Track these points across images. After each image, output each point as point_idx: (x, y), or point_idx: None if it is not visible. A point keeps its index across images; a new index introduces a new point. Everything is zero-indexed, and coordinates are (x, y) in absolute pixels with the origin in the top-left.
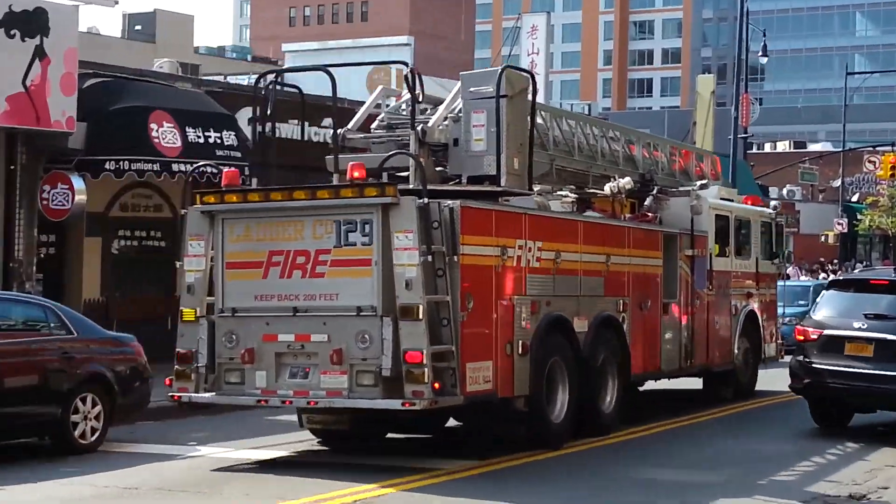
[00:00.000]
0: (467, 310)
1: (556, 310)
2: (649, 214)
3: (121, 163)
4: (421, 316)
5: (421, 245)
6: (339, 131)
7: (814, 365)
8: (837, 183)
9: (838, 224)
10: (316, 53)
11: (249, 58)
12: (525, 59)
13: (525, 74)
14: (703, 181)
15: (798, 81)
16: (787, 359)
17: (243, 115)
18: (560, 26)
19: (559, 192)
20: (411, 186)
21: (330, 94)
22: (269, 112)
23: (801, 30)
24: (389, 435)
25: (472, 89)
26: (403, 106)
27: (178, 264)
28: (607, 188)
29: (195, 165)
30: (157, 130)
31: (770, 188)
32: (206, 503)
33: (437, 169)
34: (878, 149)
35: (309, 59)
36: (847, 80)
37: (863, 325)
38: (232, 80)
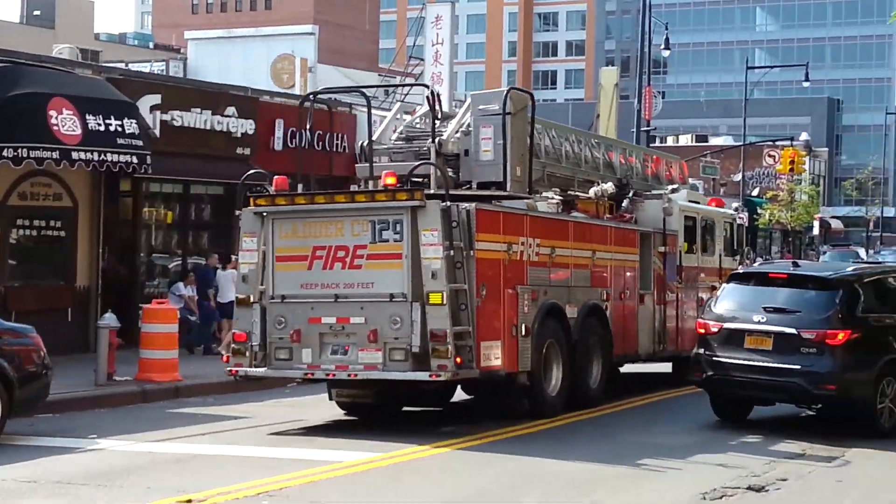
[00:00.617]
0: (481, 296)
1: (552, 298)
2: (626, 215)
3: (19, 150)
4: (445, 301)
5: (444, 241)
6: (363, 143)
7: (715, 358)
8: (738, 177)
9: (739, 218)
10: (219, 42)
11: (151, 45)
12: (429, 49)
13: (525, 94)
14: (674, 185)
15: (700, 75)
16: None
17: (145, 103)
18: (465, 17)
19: (545, 195)
20: (433, 191)
21: (231, 84)
22: (308, 127)
23: (702, 23)
24: (404, 408)
25: (480, 107)
26: (417, 121)
27: (233, 258)
28: (592, 192)
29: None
30: (56, 118)
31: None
32: (105, 496)
33: (451, 175)
34: (777, 143)
35: (212, 47)
36: (747, 74)
37: (762, 318)
38: (133, 67)
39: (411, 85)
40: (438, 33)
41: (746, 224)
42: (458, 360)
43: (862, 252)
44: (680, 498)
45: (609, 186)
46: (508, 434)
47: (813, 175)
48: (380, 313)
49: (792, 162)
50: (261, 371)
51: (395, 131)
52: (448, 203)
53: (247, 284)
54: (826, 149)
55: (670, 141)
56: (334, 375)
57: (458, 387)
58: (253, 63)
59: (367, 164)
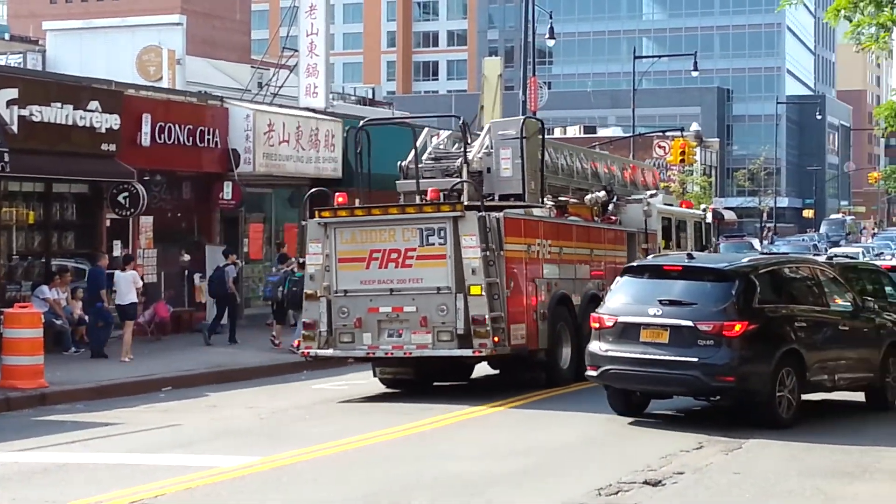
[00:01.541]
0: (510, 288)
1: (561, 289)
2: (613, 217)
3: None
4: (483, 292)
5: (481, 244)
6: (402, 163)
7: (610, 352)
8: None
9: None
10: (80, 33)
11: (7, 36)
12: (304, 40)
13: (537, 121)
14: (653, 191)
15: (586, 65)
16: None
17: (1, 98)
18: (341, 6)
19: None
20: (466, 202)
21: (94, 77)
22: (359, 151)
23: (588, 13)
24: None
25: (499, 132)
26: (443, 143)
27: (300, 260)
28: (587, 199)
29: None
30: None
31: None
32: None
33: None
34: (667, 134)
35: (73, 38)
36: (635, 63)
37: (658, 311)
38: None
39: (448, 116)
40: (313, 23)
41: (711, 222)
42: (496, 339)
43: (756, 243)
44: (574, 494)
45: (602, 194)
46: (537, 397)
47: (704, 166)
48: (429, 303)
49: (682, 153)
50: (329, 352)
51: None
52: (484, 213)
53: (314, 282)
54: (717, 139)
55: (558, 132)
56: (392, 354)
57: (475, 366)
58: (117, 55)
59: (410, 181)
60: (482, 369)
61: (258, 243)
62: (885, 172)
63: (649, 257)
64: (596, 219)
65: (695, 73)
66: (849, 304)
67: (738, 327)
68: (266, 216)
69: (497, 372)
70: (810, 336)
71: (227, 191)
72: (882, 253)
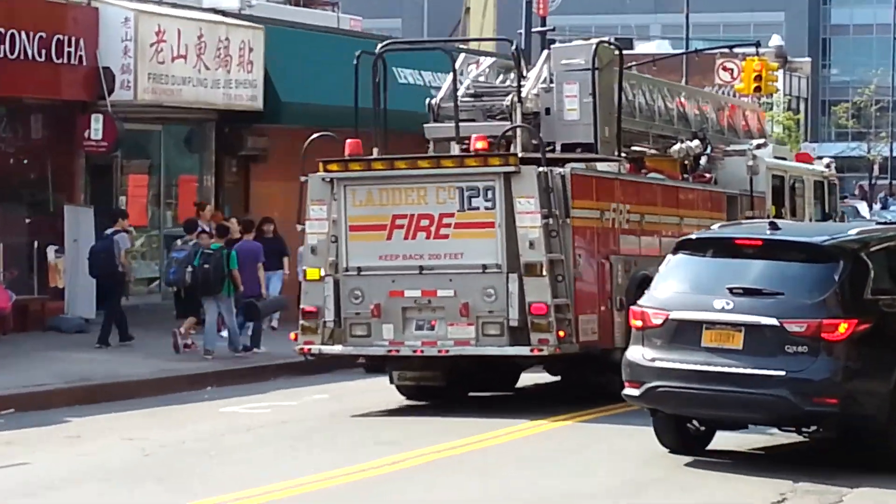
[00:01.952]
0: (578, 267)
1: (643, 268)
2: (707, 175)
3: None
4: (544, 272)
5: (541, 208)
6: (432, 102)
7: (658, 362)
8: None
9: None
10: None
11: None
12: None
13: (612, 48)
14: (761, 140)
15: None
16: None
17: None
18: None
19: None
20: (521, 154)
21: None
22: (377, 81)
23: None
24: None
25: (563, 61)
26: (485, 74)
27: (298, 228)
28: (674, 150)
29: None
30: None
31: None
32: None
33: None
34: (736, 50)
35: None
36: None
37: (727, 303)
38: None
39: (496, 39)
40: None
41: (837, 183)
42: (561, 333)
43: (863, 207)
44: None
45: (694, 144)
46: (609, 412)
47: (790, 97)
48: (471, 285)
49: (759, 78)
50: (336, 349)
51: (460, 86)
52: (545, 168)
53: (316, 256)
54: (808, 59)
55: None
56: (422, 352)
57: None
58: None
59: (445, 125)
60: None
61: (141, 202)
62: None
63: (715, 226)
64: (685, 176)
65: None
66: None
67: (843, 327)
68: (152, 164)
69: (557, 379)
70: None
71: (97, 127)
72: None
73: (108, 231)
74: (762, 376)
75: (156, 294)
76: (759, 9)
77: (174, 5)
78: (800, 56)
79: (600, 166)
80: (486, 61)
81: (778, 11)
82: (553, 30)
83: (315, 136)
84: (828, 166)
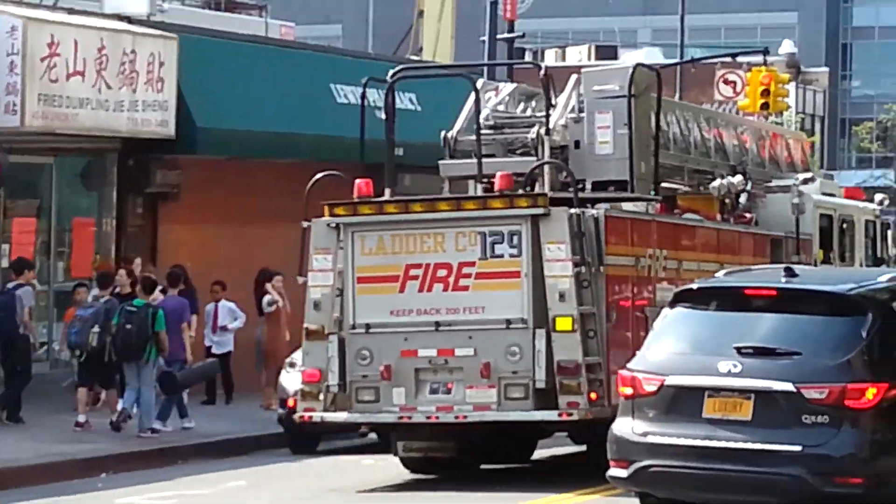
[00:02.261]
0: (612, 321)
1: None
2: (747, 215)
3: None
4: (575, 327)
5: (573, 255)
6: (448, 135)
7: (649, 437)
8: None
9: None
10: None
11: None
12: None
13: (650, 71)
14: (807, 174)
15: None
16: None
17: None
18: None
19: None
20: (550, 194)
21: None
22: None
23: None
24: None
25: (595, 88)
26: (505, 102)
27: (300, 280)
28: (715, 187)
29: None
30: None
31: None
32: None
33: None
34: (740, 59)
35: None
36: None
37: (734, 365)
38: None
39: (523, 63)
40: None
41: (892, 221)
42: (593, 395)
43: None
44: None
45: (737, 180)
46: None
47: (803, 116)
48: (493, 343)
49: (766, 93)
50: (342, 416)
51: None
52: (578, 209)
53: (319, 312)
54: (826, 69)
55: (551, 57)
56: (437, 418)
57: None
58: None
59: (463, 161)
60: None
61: (27, 251)
62: None
63: (720, 273)
64: (723, 216)
65: None
66: None
67: (871, 393)
68: (41, 205)
69: (577, 448)
70: None
71: None
72: None
73: (10, 285)
74: (775, 452)
75: (43, 362)
76: (768, 8)
77: (70, 11)
78: (816, 65)
79: (628, 206)
80: (506, 88)
81: (790, 12)
82: (523, 36)
83: (320, 175)
84: (881, 203)
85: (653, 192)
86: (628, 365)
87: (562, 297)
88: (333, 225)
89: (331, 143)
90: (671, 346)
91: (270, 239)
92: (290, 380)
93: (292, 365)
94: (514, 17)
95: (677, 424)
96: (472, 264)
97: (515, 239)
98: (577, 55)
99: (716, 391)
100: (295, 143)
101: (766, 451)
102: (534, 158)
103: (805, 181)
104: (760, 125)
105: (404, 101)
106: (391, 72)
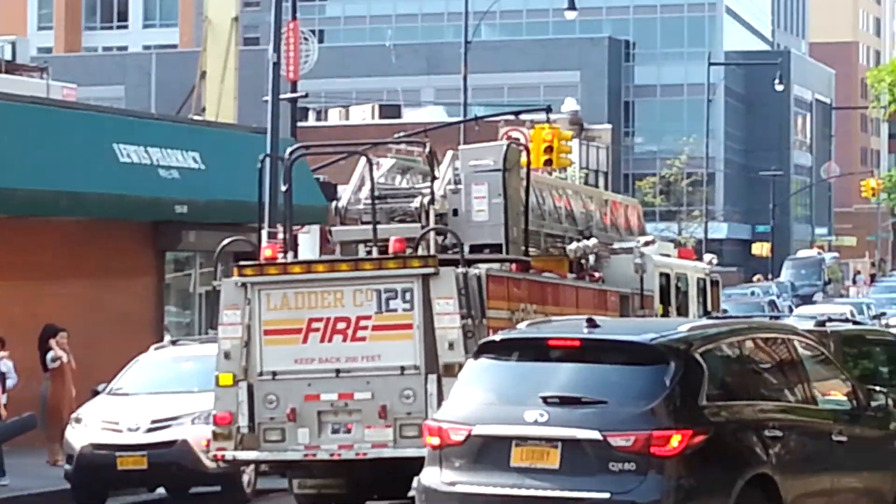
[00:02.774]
0: None
1: None
2: (595, 274)
3: None
4: None
5: (460, 309)
6: (339, 205)
7: (458, 487)
8: None
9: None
10: None
11: None
12: None
13: (520, 148)
14: (648, 237)
15: (385, 2)
16: None
17: None
18: None
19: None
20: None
21: None
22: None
23: None
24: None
25: (472, 163)
26: (385, 176)
27: (212, 333)
28: (572, 250)
29: None
30: None
31: (340, 186)
32: None
33: (437, 238)
34: (523, 117)
35: None
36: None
37: (541, 414)
38: None
39: (410, 142)
40: None
41: (720, 280)
42: None
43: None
44: None
45: (592, 243)
46: None
47: (587, 171)
48: (389, 387)
49: (550, 149)
50: (252, 454)
51: (360, 189)
52: (463, 269)
53: (229, 361)
54: (609, 126)
55: (334, 116)
56: (339, 455)
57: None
58: None
59: (352, 228)
60: None
61: None
62: (890, 179)
63: (522, 325)
64: (570, 275)
65: (570, 15)
66: (845, 399)
67: (675, 440)
68: None
69: None
70: (788, 453)
71: None
72: (884, 313)
73: None
74: (583, 500)
75: None
76: (551, 68)
77: None
78: (598, 122)
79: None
80: (387, 163)
81: (573, 71)
82: (306, 96)
83: (228, 240)
84: (710, 262)
85: (524, 253)
86: (434, 416)
87: (451, 345)
88: (241, 284)
89: (115, 201)
90: (477, 396)
91: (55, 296)
92: (77, 435)
93: (78, 420)
94: (296, 77)
95: (486, 474)
96: (369, 318)
97: (408, 295)
98: (361, 114)
99: (523, 440)
100: (79, 201)
101: (575, 499)
102: (416, 225)
103: (646, 243)
104: (602, 194)
105: (187, 160)
106: (290, 149)
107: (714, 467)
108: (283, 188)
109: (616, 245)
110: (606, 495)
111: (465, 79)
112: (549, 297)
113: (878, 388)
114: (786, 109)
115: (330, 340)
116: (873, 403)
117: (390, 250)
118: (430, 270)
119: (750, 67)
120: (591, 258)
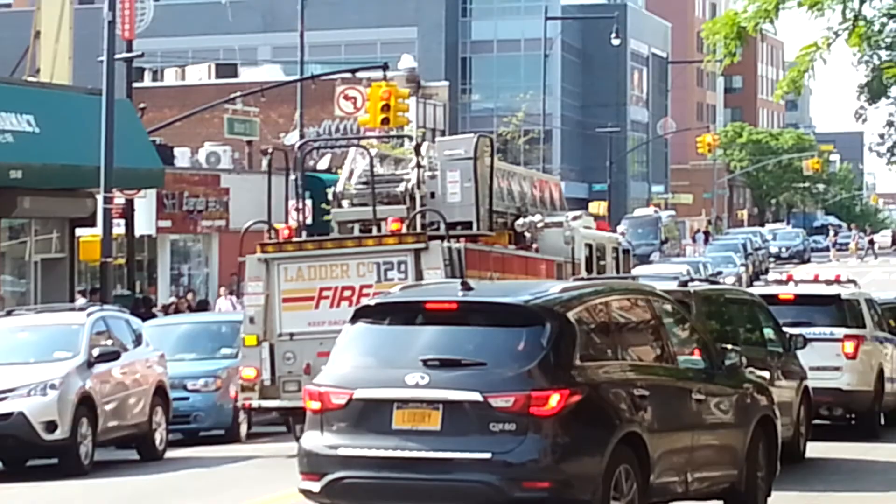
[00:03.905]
0: None
1: None
2: (533, 245)
3: None
4: None
5: (447, 277)
6: (336, 190)
7: (341, 450)
8: (294, 137)
9: (296, 210)
10: None
11: None
12: None
13: (487, 139)
14: (576, 213)
15: None
16: None
17: None
18: None
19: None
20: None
21: None
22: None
23: None
24: None
25: (446, 152)
26: (369, 164)
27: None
28: (520, 224)
29: None
30: None
31: (180, 149)
32: None
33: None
34: (360, 75)
35: None
36: None
37: (422, 377)
38: None
39: (402, 136)
40: None
41: (630, 248)
42: None
43: None
44: None
45: (538, 219)
46: None
47: (424, 129)
48: None
49: (387, 108)
50: (274, 402)
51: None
52: (450, 244)
53: (254, 325)
54: (446, 82)
55: (171, 77)
56: None
57: None
58: None
59: (350, 209)
60: None
61: None
62: (726, 135)
63: (395, 289)
64: (510, 246)
65: None
66: (699, 359)
67: (554, 400)
68: None
69: None
70: (654, 412)
71: None
72: (720, 272)
73: None
74: (465, 460)
75: None
76: (388, 24)
77: None
78: (436, 80)
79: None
80: (371, 152)
81: (410, 27)
82: (142, 55)
83: (252, 222)
84: (622, 234)
85: (489, 229)
86: (314, 380)
87: None
88: (262, 259)
89: None
90: (357, 360)
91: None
92: None
93: None
94: (132, 36)
95: (368, 437)
96: (370, 286)
97: (403, 266)
98: (198, 74)
99: (404, 402)
100: None
101: (457, 460)
102: (401, 206)
103: (574, 218)
104: (531, 174)
105: (21, 123)
106: (297, 143)
107: (589, 426)
108: (293, 177)
109: (548, 219)
110: (487, 455)
111: (301, 36)
112: (507, 266)
113: (730, 347)
114: (622, 64)
115: (338, 306)
116: (726, 363)
117: (386, 229)
118: (422, 245)
119: (587, 21)
120: (528, 231)
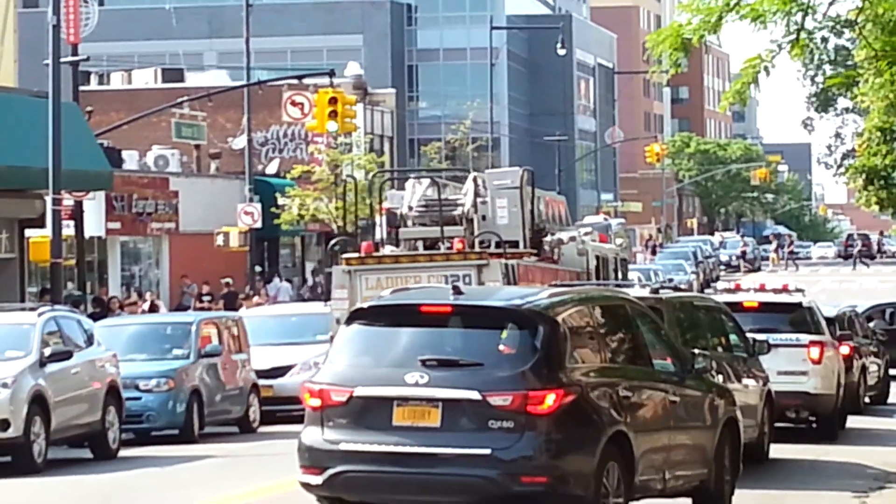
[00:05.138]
0: None
1: None
2: (555, 258)
3: None
4: None
5: None
6: (402, 212)
7: (342, 445)
8: (241, 143)
9: (246, 214)
10: None
11: None
12: None
13: (529, 172)
14: (587, 228)
15: None
16: None
17: None
18: None
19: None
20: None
21: None
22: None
23: None
24: None
25: (496, 182)
26: (428, 191)
27: (325, 304)
28: (548, 241)
29: None
30: None
31: (128, 152)
32: None
33: (470, 235)
34: (306, 81)
35: None
36: None
37: (422, 376)
38: None
39: (462, 170)
40: None
41: (628, 259)
42: None
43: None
44: None
45: (565, 236)
46: None
47: (372, 136)
48: None
49: (334, 114)
50: None
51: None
52: (507, 261)
53: (340, 325)
54: (392, 89)
55: (118, 81)
56: None
57: None
58: None
59: (415, 229)
60: None
61: None
62: (674, 145)
63: (386, 293)
64: (542, 260)
65: None
66: (670, 363)
67: (550, 399)
68: None
69: None
70: (637, 412)
71: None
72: (671, 279)
73: None
74: (465, 456)
75: None
76: (334, 31)
77: None
78: (382, 87)
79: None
80: (426, 181)
81: (355, 35)
82: (87, 59)
83: (336, 240)
84: (620, 245)
85: (529, 248)
86: (314, 378)
87: None
88: (346, 271)
89: None
90: (355, 360)
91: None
92: None
93: None
94: (77, 40)
95: (368, 432)
96: None
97: (467, 279)
98: (144, 78)
99: (405, 400)
100: None
101: (458, 456)
102: (459, 227)
103: (586, 234)
104: (543, 194)
105: None
106: (373, 173)
107: (582, 425)
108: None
109: (564, 235)
110: (487, 451)
111: (247, 42)
112: (544, 277)
113: (698, 352)
114: (569, 74)
115: None
116: (697, 366)
117: (453, 248)
118: (484, 262)
119: (532, 32)
120: (547, 246)
